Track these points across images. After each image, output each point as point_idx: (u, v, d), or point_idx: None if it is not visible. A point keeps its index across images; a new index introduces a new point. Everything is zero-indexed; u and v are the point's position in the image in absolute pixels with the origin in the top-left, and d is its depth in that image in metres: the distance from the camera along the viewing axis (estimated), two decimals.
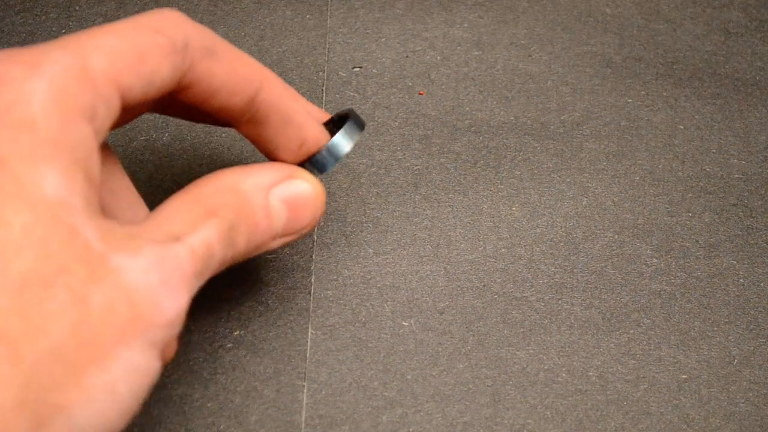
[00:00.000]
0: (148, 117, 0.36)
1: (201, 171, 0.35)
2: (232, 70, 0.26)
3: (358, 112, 0.37)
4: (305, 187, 0.27)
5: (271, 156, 0.28)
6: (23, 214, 0.21)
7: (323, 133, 0.28)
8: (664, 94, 0.39)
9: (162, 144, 0.36)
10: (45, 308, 0.21)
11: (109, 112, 0.24)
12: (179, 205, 0.25)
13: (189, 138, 0.36)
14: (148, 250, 0.23)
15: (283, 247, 0.28)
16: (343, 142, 0.28)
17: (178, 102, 0.27)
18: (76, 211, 0.22)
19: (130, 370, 0.22)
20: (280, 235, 0.27)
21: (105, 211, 0.26)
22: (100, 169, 0.23)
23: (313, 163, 0.28)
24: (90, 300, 0.22)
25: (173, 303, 0.23)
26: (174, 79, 0.25)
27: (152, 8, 0.40)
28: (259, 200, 0.26)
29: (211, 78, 0.26)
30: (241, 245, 0.26)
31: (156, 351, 0.23)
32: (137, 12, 0.40)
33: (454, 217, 0.35)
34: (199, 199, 0.25)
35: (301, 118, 0.28)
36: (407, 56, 0.40)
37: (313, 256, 0.33)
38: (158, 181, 0.33)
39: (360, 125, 0.29)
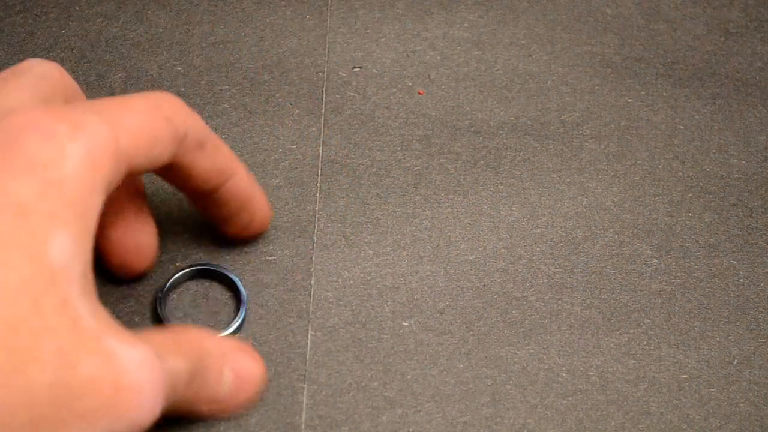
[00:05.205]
0: None
1: None
2: (212, 163, 0.29)
3: (358, 112, 0.38)
4: (254, 365, 0.29)
5: (219, 228, 0.32)
6: (24, 268, 0.22)
7: (269, 211, 0.32)
8: (664, 94, 0.39)
9: None
10: (32, 354, 0.22)
11: (117, 183, 0.26)
12: (160, 337, 0.26)
13: None
14: (143, 349, 0.24)
15: (221, 415, 0.29)
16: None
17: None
18: (71, 282, 0.23)
19: None
20: (223, 400, 0.28)
21: (125, 232, 0.30)
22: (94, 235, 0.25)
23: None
24: (78, 366, 0.22)
25: (153, 404, 0.24)
26: (168, 161, 0.27)
27: (150, 9, 0.40)
28: (216, 361, 0.28)
29: (193, 166, 0.28)
30: (195, 387, 0.27)
31: None
32: (136, 12, 0.40)
33: (454, 218, 0.35)
34: (176, 340, 0.27)
35: (254, 206, 0.32)
36: (407, 56, 0.40)
37: (313, 258, 0.33)
38: (158, 181, 0.34)
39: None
